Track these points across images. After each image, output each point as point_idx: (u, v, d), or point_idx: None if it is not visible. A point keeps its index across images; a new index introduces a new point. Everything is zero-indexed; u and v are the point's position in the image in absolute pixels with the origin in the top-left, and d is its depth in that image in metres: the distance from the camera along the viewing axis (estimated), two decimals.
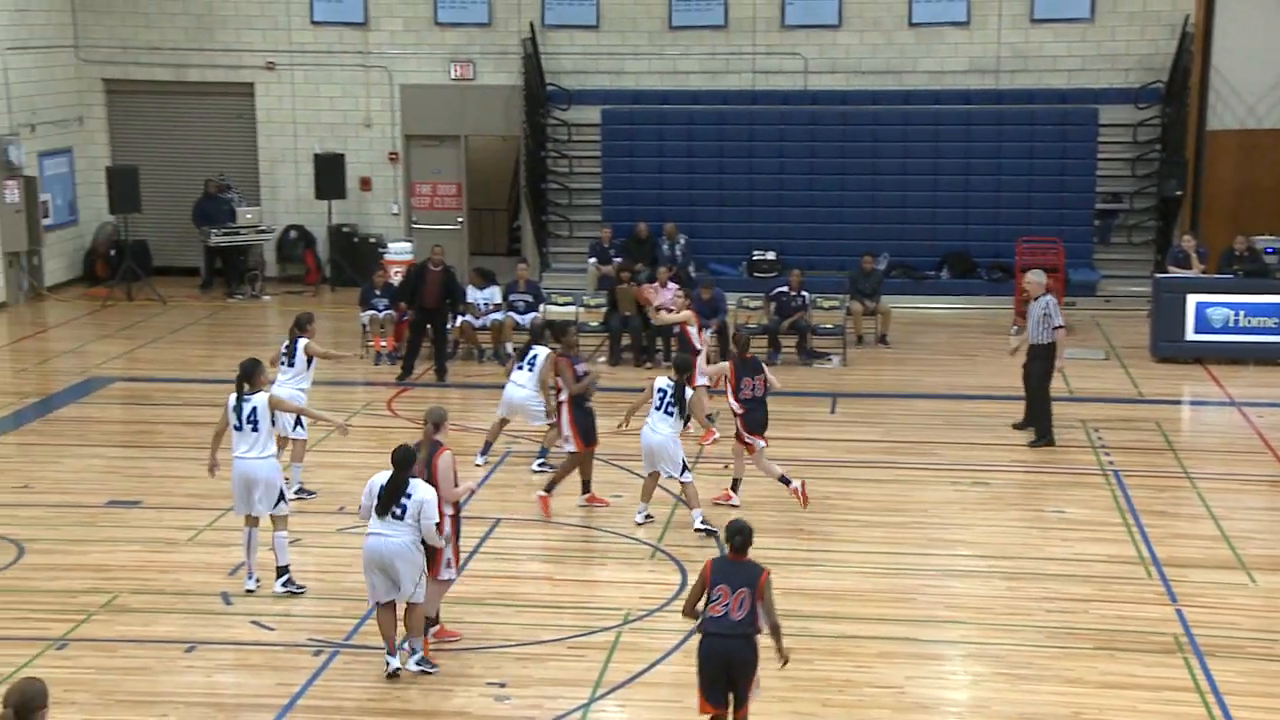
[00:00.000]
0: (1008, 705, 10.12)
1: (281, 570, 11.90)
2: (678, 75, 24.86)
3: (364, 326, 20.15)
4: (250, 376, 11.89)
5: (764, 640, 8.83)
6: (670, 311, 17.36)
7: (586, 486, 14.01)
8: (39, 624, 11.32)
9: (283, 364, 14.07)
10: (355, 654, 10.82)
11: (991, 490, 14.72)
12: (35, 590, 11.99)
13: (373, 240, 24.84)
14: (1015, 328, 20.80)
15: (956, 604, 11.86)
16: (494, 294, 20.16)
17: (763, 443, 13.81)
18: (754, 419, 13.80)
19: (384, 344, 19.76)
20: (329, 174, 24.60)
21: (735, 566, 8.88)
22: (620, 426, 13.93)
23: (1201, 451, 16.09)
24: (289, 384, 13.80)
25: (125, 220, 24.38)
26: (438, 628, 10.92)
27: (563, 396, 13.89)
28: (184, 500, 14.10)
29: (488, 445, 15.37)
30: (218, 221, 24.46)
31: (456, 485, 10.68)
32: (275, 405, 12.02)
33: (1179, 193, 23.16)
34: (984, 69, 24.37)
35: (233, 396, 11.84)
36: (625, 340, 19.88)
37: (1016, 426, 16.41)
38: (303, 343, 14.06)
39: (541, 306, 20.13)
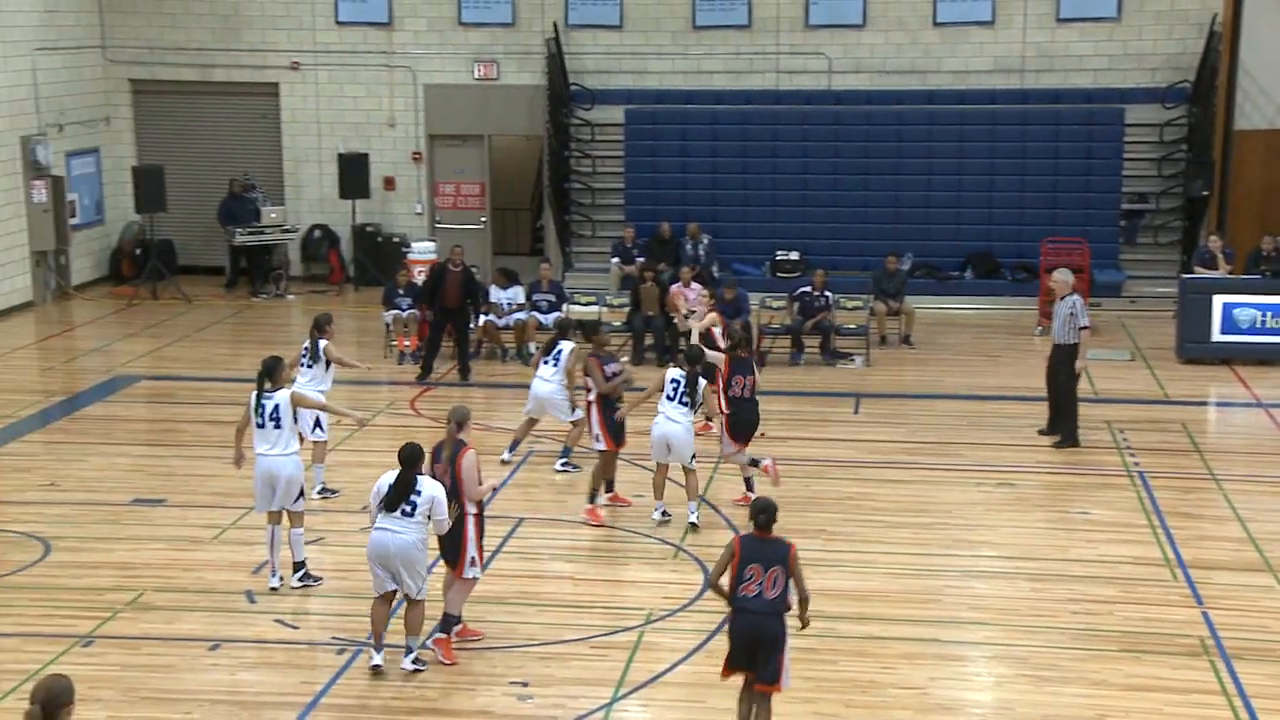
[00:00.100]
0: (1032, 707, 10.08)
1: (298, 565, 11.98)
2: (701, 75, 24.84)
3: (387, 326, 20.20)
4: (272, 374, 11.93)
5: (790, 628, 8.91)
6: (696, 315, 17.35)
7: (610, 486, 13.99)
8: (65, 621, 11.37)
9: (303, 365, 14.09)
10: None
11: (1016, 491, 14.66)
12: (61, 587, 12.04)
13: (396, 240, 24.90)
14: (1039, 329, 20.73)
15: (981, 605, 11.82)
16: (517, 294, 20.17)
17: (744, 455, 13.73)
18: (740, 421, 13.71)
19: (407, 343, 19.82)
20: (353, 174, 24.64)
21: (764, 544, 8.96)
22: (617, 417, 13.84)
23: (1228, 453, 15.99)
24: (309, 385, 13.80)
25: (151, 220, 24.46)
26: (461, 626, 10.92)
27: (591, 396, 13.88)
28: (208, 499, 14.16)
29: (515, 443, 15.38)
30: (242, 221, 24.55)
31: (480, 484, 10.72)
32: (297, 402, 12.07)
33: (1205, 193, 23.05)
34: (1009, 69, 24.28)
35: (254, 394, 11.88)
36: (648, 340, 19.87)
37: (1042, 433, 16.24)
38: (324, 344, 14.10)
39: (564, 306, 20.14)
